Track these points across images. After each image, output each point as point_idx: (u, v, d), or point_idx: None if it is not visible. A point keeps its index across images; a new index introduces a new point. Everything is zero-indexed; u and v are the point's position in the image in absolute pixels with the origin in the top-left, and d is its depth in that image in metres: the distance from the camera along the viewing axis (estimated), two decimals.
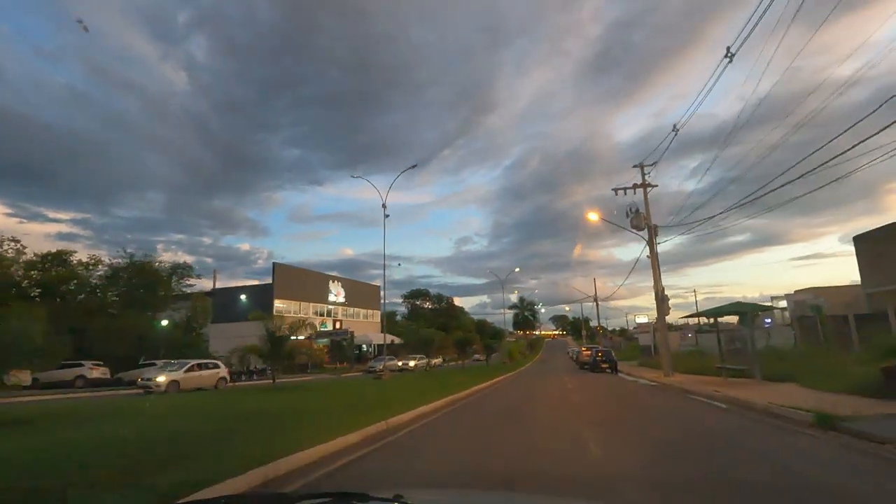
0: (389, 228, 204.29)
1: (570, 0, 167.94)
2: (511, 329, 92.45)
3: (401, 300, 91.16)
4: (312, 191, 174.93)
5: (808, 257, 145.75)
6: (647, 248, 20.98)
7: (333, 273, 59.30)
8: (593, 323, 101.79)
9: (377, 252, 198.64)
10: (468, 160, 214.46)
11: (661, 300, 20.06)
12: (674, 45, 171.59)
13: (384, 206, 24.72)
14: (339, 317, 57.29)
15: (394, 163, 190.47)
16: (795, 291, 42.42)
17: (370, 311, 64.82)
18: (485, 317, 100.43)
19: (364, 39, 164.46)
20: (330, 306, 55.70)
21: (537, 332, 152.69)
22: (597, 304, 48.26)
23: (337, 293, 56.60)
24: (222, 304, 47.32)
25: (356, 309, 61.20)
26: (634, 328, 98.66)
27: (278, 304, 46.67)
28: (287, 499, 1.30)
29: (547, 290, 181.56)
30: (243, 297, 47.01)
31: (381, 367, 26.20)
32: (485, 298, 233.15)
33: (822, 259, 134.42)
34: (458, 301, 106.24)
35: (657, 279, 20.45)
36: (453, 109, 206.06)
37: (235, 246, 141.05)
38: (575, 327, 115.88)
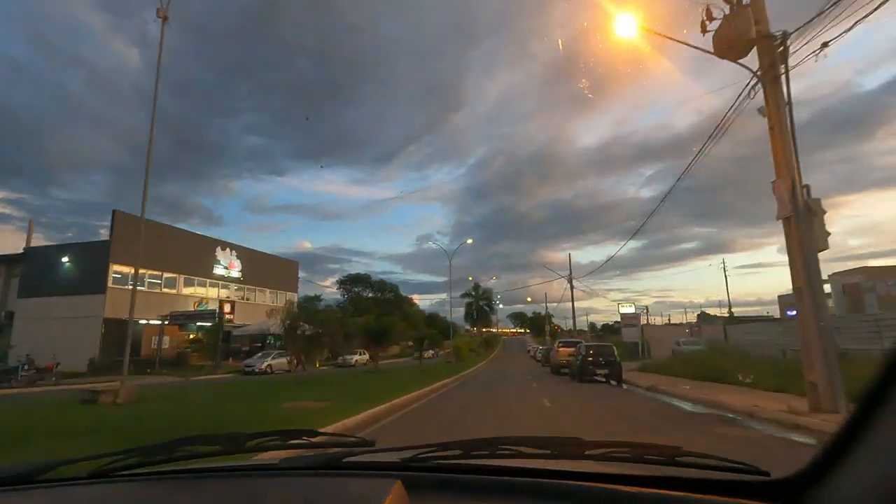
0: (351, 221, 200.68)
1: (539, 4, 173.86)
2: (466, 325, 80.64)
3: (335, 286, 77.07)
4: (272, 180, 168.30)
5: (751, 266, 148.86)
6: (761, 89, 8.56)
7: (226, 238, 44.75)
8: (561, 322, 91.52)
9: (337, 246, 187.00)
10: (433, 157, 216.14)
11: (807, 209, 7.71)
12: (636, 56, 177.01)
13: (162, 14, 11.47)
14: (234, 297, 42.95)
15: (358, 155, 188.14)
16: (833, 274, 31.56)
17: (284, 294, 50.68)
18: (442, 312, 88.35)
19: (332, 29, 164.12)
20: (219, 283, 41.22)
21: (494, 329, 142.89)
22: (571, 287, 36.39)
23: (229, 265, 42.15)
24: (39, 270, 32.20)
25: (262, 289, 46.96)
26: (595, 331, 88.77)
27: (118, 273, 31.88)
28: (240, 437, 1.34)
29: (506, 290, 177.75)
30: (66, 259, 31.99)
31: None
32: (445, 297, 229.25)
33: (764, 268, 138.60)
34: (417, 299, 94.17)
35: (788, 163, 8.09)
36: (420, 106, 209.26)
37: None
38: (536, 324, 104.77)
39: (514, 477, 1.07)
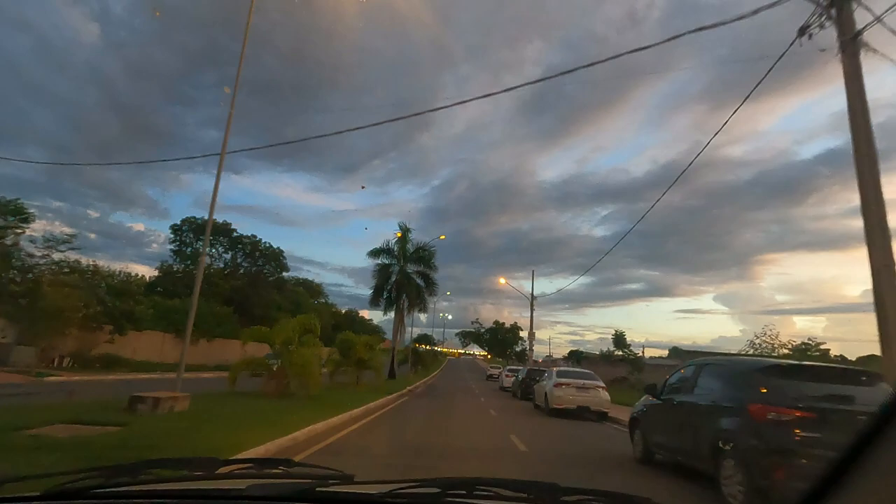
0: (306, 229, 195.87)
1: (516, 39, 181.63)
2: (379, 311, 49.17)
3: (169, 238, 43.75)
4: (226, 178, 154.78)
5: (689, 311, 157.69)
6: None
7: None
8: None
9: (289, 253, 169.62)
10: (397, 174, 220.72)
11: None
12: (600, 101, 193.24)
13: None
14: None
15: (320, 162, 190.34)
16: None
17: None
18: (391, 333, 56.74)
19: (306, 30, 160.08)
20: None
21: (438, 348, 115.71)
22: None
23: None
24: None
25: None
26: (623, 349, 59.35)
27: None
28: (213, 462, 1.36)
29: (457, 314, 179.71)
30: None
31: None
32: (393, 315, 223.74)
33: (700, 314, 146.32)
34: (366, 315, 64.16)
35: None
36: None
37: (127, 224, 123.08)
38: (497, 341, 73.54)
39: None
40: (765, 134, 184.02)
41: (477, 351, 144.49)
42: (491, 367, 43.58)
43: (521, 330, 70.44)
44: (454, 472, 6.03)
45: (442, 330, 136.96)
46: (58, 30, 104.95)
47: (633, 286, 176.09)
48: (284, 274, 50.44)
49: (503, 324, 72.84)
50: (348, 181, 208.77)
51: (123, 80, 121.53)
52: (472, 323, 75.85)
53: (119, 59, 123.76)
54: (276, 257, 47.73)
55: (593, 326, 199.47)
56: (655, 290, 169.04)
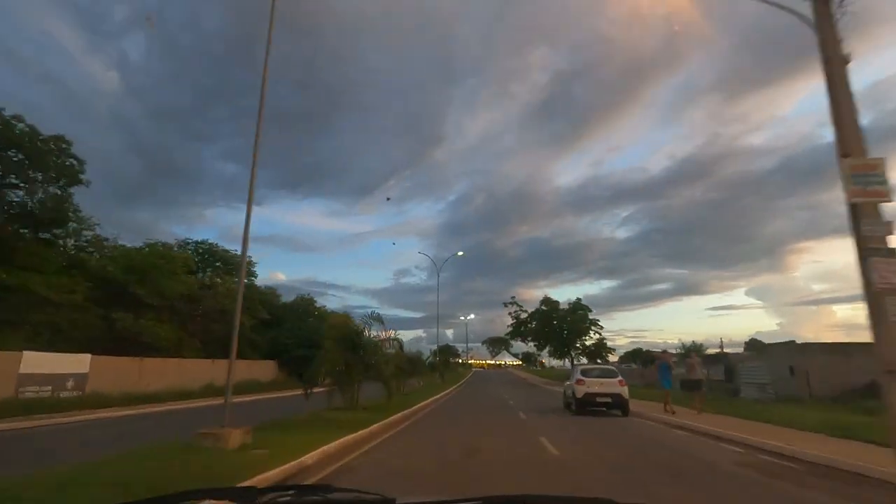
0: (327, 253, 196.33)
1: (520, 47, 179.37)
2: None
3: None
4: (246, 210, 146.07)
5: (721, 308, 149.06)
6: None
7: None
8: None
9: (312, 279, 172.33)
10: (413, 192, 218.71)
11: None
12: (611, 101, 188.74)
13: None
14: None
15: (337, 186, 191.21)
16: None
17: None
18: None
19: (314, 57, 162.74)
20: None
21: (462, 359, 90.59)
22: None
23: None
24: None
25: None
26: None
27: None
28: (251, 492, 1.31)
29: (482, 327, 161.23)
30: None
31: None
32: (420, 333, 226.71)
33: (734, 310, 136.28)
34: (391, 334, 39.02)
35: None
36: (401, 139, 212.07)
37: None
38: (553, 333, 43.38)
39: None
40: (784, 119, 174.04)
41: (508, 360, 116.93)
42: (580, 375, 15.46)
43: (590, 311, 41.39)
44: None
45: (466, 344, 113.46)
46: (79, 79, 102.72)
47: (661, 286, 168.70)
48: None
49: (557, 303, 43.81)
50: (365, 203, 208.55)
51: (143, 121, 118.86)
52: (507, 305, 46.22)
53: (138, 102, 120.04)
54: (37, 154, 20.29)
55: (623, 331, 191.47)
56: (684, 289, 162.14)
